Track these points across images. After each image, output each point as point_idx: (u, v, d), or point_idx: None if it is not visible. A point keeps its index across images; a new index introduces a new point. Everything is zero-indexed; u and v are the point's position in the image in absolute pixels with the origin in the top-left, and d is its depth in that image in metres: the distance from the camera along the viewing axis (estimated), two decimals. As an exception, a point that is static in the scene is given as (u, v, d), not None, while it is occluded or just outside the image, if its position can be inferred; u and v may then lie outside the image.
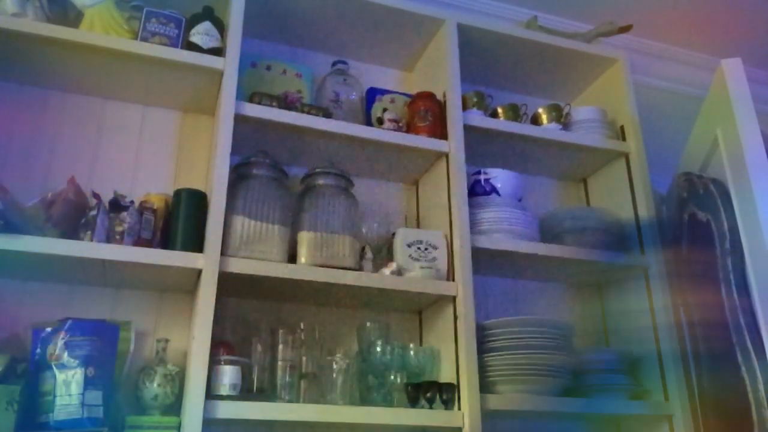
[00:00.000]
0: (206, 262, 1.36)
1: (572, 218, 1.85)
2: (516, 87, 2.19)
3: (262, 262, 1.42)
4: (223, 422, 1.32)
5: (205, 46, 1.58)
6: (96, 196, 1.40)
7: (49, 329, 1.29)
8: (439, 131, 1.74)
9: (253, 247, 1.44)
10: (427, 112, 1.74)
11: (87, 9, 1.54)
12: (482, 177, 1.83)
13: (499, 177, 1.83)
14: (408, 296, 1.60)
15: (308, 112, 1.62)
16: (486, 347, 1.56)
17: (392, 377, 1.51)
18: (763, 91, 2.44)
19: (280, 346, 1.45)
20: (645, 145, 1.95)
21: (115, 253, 1.32)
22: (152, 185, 1.64)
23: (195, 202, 1.45)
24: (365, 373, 1.53)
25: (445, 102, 1.78)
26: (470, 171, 1.81)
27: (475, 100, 1.86)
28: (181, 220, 1.42)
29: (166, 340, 1.43)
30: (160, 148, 1.71)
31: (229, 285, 1.43)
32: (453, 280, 1.59)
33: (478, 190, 1.82)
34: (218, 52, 1.59)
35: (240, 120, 1.52)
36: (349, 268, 1.51)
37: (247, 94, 1.66)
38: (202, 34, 1.60)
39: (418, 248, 1.61)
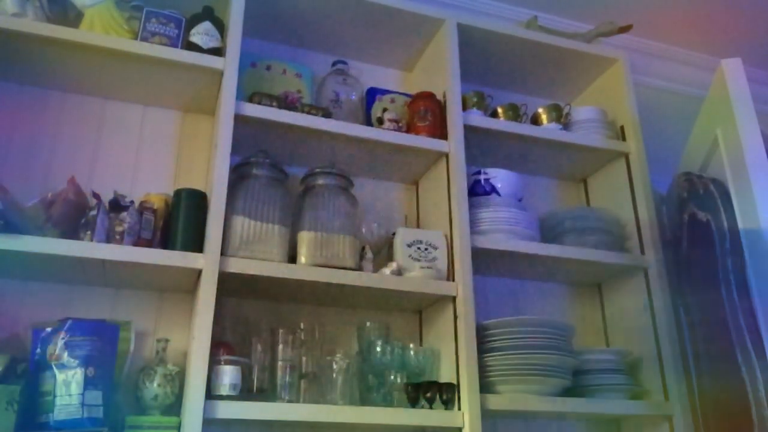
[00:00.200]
0: (206, 262, 1.36)
1: (572, 218, 1.85)
2: (516, 87, 2.19)
3: (262, 262, 1.42)
4: (223, 422, 1.33)
5: (205, 46, 1.58)
6: (96, 196, 1.40)
7: (49, 329, 1.28)
8: (439, 131, 1.74)
9: (253, 247, 1.44)
10: (427, 112, 1.74)
11: (87, 9, 1.54)
12: (482, 177, 1.83)
13: (499, 177, 1.83)
14: (408, 296, 1.60)
15: (308, 112, 1.62)
16: (486, 347, 1.56)
17: (392, 377, 1.51)
18: (763, 91, 2.44)
19: (280, 346, 1.45)
20: (645, 145, 1.95)
21: (115, 253, 1.32)
22: (152, 185, 1.64)
23: (195, 202, 1.45)
24: (365, 373, 1.53)
25: (445, 102, 1.78)
26: (470, 171, 1.81)
27: (475, 100, 1.86)
28: (181, 220, 1.42)
29: (166, 340, 1.42)
30: (160, 148, 1.71)
31: (229, 285, 1.43)
32: (453, 280, 1.59)
33: (478, 190, 1.82)
34: (218, 52, 1.59)
35: (240, 120, 1.52)
36: (349, 268, 1.51)
37: (247, 94, 1.66)
38: (202, 34, 1.60)
39: (418, 248, 1.61)
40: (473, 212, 1.69)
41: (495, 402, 1.48)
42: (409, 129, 1.75)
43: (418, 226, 1.87)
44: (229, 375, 1.33)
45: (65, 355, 1.24)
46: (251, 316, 1.60)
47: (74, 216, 1.39)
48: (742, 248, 1.62)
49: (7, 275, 1.45)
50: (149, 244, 1.41)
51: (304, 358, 1.47)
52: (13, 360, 1.23)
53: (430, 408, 1.45)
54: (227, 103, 1.51)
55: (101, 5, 1.54)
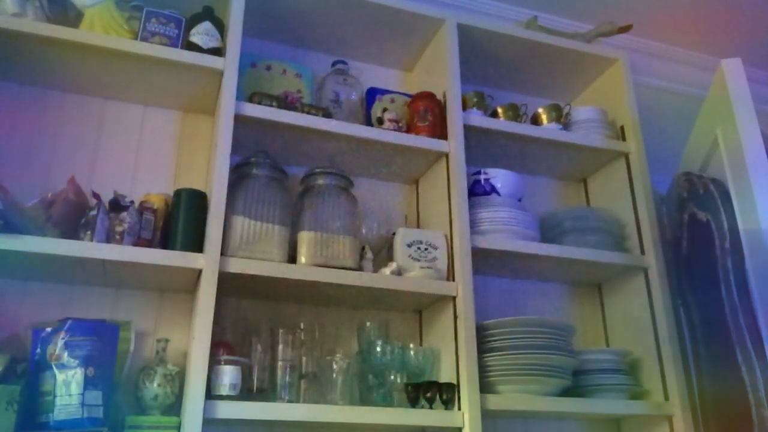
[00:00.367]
0: (206, 262, 1.36)
1: (572, 218, 1.85)
2: (516, 87, 2.19)
3: (262, 262, 1.42)
4: (223, 422, 1.33)
5: (205, 46, 1.58)
6: (96, 196, 1.40)
7: (49, 329, 1.28)
8: (439, 131, 1.74)
9: (253, 247, 1.44)
10: (427, 112, 1.74)
11: (87, 9, 1.54)
12: (482, 177, 1.83)
13: (499, 177, 1.83)
14: (408, 296, 1.60)
15: (308, 112, 1.62)
16: (486, 347, 1.56)
17: (392, 377, 1.51)
18: (763, 91, 2.44)
19: (280, 346, 1.45)
20: (645, 145, 1.95)
21: (115, 253, 1.32)
22: (152, 185, 1.64)
23: (195, 202, 1.45)
24: (365, 373, 1.53)
25: (445, 102, 1.78)
26: (470, 171, 1.81)
27: (475, 100, 1.86)
28: (181, 220, 1.42)
29: (166, 340, 1.42)
30: (160, 148, 1.71)
31: (229, 285, 1.43)
32: (453, 280, 1.59)
33: (478, 190, 1.82)
34: (218, 52, 1.59)
35: (240, 120, 1.52)
36: (349, 268, 1.51)
37: (247, 94, 1.66)
38: (202, 34, 1.60)
39: (418, 248, 1.61)
40: (473, 212, 1.69)
41: (495, 402, 1.48)
42: (409, 129, 1.76)
43: (418, 226, 1.87)
44: (229, 375, 1.33)
45: (65, 355, 1.24)
46: (251, 316, 1.60)
47: (74, 216, 1.39)
48: (742, 248, 1.62)
49: (7, 275, 1.45)
50: (149, 244, 1.41)
51: (304, 358, 1.47)
52: (13, 360, 1.23)
53: (430, 408, 1.45)
54: (227, 103, 1.51)
55: (101, 5, 1.54)
